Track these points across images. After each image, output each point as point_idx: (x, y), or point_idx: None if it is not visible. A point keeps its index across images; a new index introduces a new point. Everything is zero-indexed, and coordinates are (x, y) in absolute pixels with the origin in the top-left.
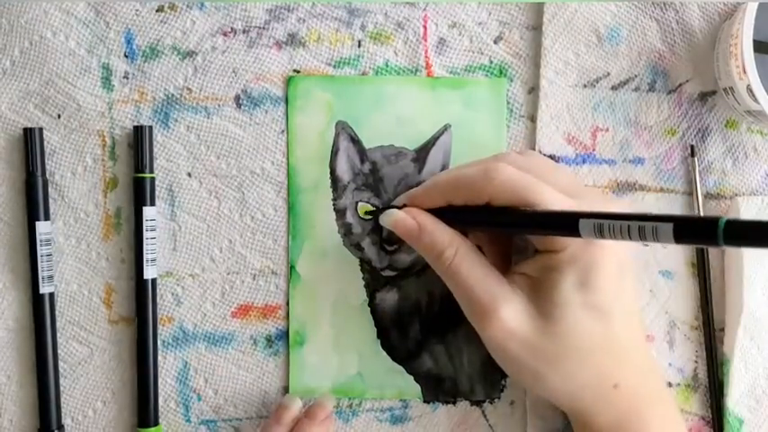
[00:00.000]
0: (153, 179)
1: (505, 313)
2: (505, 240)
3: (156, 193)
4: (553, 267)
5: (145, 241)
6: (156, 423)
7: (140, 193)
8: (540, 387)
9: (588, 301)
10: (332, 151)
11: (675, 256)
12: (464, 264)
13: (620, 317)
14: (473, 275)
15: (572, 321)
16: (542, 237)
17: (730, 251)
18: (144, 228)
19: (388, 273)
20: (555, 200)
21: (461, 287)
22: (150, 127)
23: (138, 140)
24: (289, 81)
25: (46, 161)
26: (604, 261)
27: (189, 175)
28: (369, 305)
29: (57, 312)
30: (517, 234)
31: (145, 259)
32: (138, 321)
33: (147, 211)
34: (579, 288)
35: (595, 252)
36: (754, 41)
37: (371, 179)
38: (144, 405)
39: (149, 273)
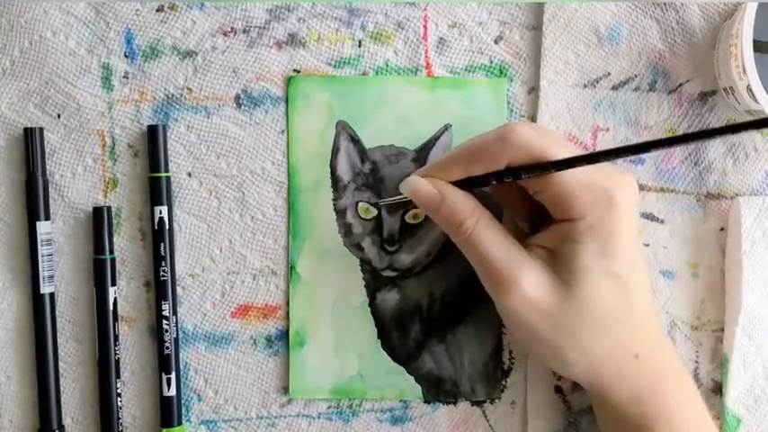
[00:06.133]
0: (168, 178)
1: (526, 282)
2: (524, 213)
3: None
4: (572, 237)
5: (163, 241)
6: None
7: (156, 193)
8: (561, 362)
9: (608, 268)
10: (332, 151)
11: (676, 256)
12: (484, 233)
13: (636, 285)
14: (493, 245)
15: (592, 290)
16: (562, 205)
17: (730, 251)
18: (164, 228)
19: (388, 273)
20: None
21: (481, 257)
22: (165, 126)
23: (154, 139)
24: (289, 81)
25: (46, 161)
26: (622, 229)
27: (189, 174)
28: (369, 305)
29: (57, 312)
30: (540, 175)
31: (163, 259)
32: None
33: (162, 211)
34: (599, 256)
35: (614, 221)
36: (754, 41)
37: (372, 179)
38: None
39: (166, 273)
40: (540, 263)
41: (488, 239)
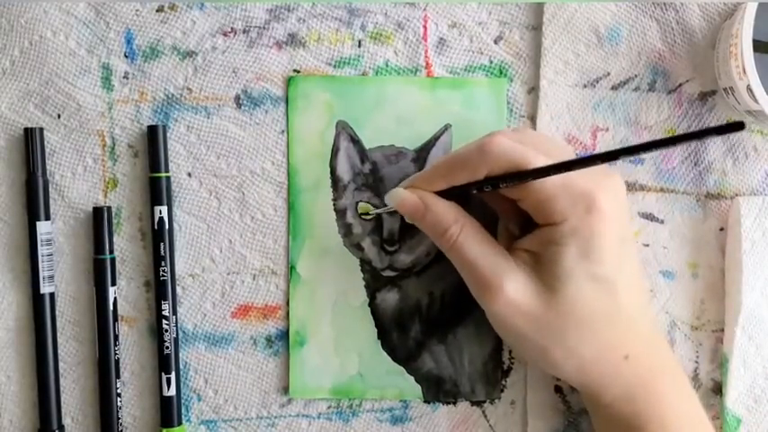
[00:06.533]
0: (168, 178)
1: (509, 287)
2: (513, 216)
3: None
4: (554, 241)
5: (163, 241)
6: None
7: (156, 193)
8: (548, 363)
9: (591, 272)
10: (332, 151)
11: (676, 256)
12: (468, 240)
13: (624, 287)
14: (478, 251)
15: (576, 293)
16: (542, 209)
17: (730, 251)
18: (164, 228)
19: (388, 273)
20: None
21: (466, 263)
22: (165, 126)
23: (154, 140)
24: (289, 81)
25: (46, 161)
26: (605, 231)
27: (189, 175)
28: (369, 305)
29: (57, 312)
30: (518, 184)
31: (163, 259)
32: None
33: (162, 211)
34: (581, 259)
35: (595, 223)
36: (754, 41)
37: (372, 179)
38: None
39: (166, 273)
40: (525, 267)
41: (472, 246)
